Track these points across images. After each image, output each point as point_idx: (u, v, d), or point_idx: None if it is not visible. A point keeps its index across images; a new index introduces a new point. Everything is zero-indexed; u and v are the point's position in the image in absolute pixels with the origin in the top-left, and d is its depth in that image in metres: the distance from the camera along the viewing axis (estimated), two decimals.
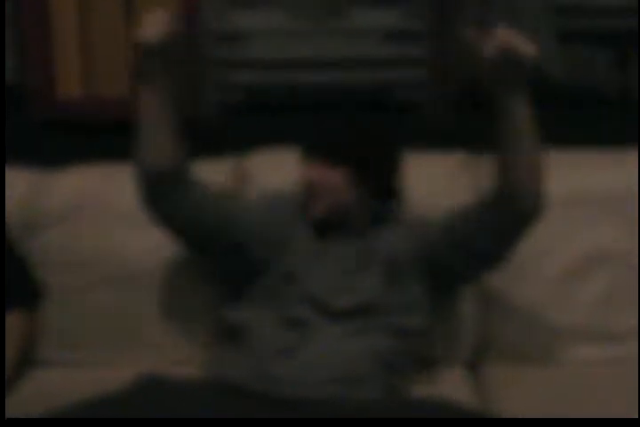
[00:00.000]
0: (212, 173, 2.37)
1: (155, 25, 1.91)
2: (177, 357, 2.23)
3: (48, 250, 2.33)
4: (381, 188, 2.11)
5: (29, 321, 2.22)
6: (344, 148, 2.05)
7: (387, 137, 2.16)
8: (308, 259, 2.03)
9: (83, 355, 2.29)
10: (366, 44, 2.64)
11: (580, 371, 2.14)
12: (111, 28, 2.62)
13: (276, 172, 2.31)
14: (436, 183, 2.36)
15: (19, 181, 2.40)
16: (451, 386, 2.06)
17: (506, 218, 1.93)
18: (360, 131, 2.12)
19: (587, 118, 2.59)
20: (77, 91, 2.65)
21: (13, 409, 1.89)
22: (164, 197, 2.03)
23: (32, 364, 2.25)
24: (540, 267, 2.28)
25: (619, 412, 1.82)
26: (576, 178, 2.33)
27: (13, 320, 2.17)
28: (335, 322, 1.94)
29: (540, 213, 1.94)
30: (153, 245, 2.30)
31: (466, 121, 2.64)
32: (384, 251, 2.03)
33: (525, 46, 1.78)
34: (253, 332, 1.96)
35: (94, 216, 2.34)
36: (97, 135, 2.66)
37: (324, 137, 2.10)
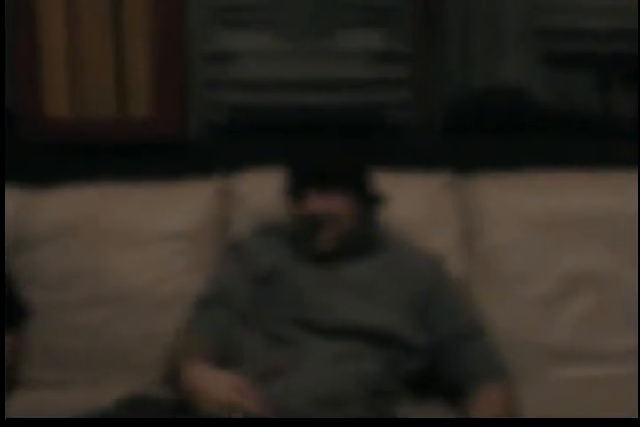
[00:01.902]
0: (199, 193, 2.44)
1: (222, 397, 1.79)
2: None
3: (36, 269, 2.33)
4: (372, 211, 2.16)
5: (15, 341, 2.21)
6: (339, 174, 2.07)
7: (367, 160, 2.19)
8: (303, 283, 2.05)
9: (68, 375, 2.28)
10: (352, 66, 2.63)
11: (563, 391, 2.13)
12: (100, 49, 2.61)
13: (263, 192, 2.33)
14: (420, 204, 2.38)
15: (8, 200, 2.40)
16: (438, 407, 2.05)
17: None
18: (346, 155, 2.14)
19: (569, 141, 2.59)
20: (66, 112, 2.64)
21: None
22: None
23: (19, 384, 2.25)
24: (524, 288, 2.30)
25: None
26: (559, 200, 2.36)
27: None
28: (326, 343, 1.95)
29: None
30: (141, 264, 2.33)
31: (451, 142, 2.65)
32: (369, 276, 2.07)
33: None
34: (242, 351, 1.97)
35: (83, 235, 2.34)
36: (85, 156, 2.65)
37: (315, 167, 2.09)
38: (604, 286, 2.28)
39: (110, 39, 2.61)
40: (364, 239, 2.13)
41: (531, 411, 1.94)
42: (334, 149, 2.20)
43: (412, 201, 2.36)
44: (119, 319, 2.28)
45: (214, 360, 1.92)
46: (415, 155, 2.59)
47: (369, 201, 2.14)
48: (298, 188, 2.09)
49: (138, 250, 2.34)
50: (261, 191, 2.34)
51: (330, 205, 2.04)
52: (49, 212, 2.39)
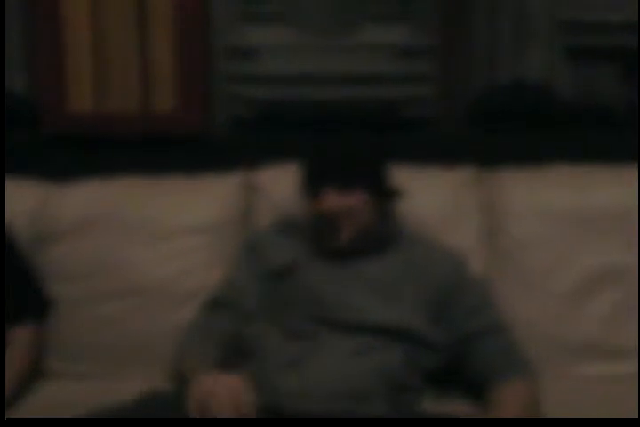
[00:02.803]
0: (222, 187, 2.44)
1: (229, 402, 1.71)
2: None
3: (58, 262, 2.34)
4: (390, 206, 2.16)
5: (39, 333, 2.23)
6: (356, 171, 2.07)
7: (385, 155, 2.20)
8: (319, 280, 2.04)
9: (90, 367, 2.29)
10: (376, 60, 2.65)
11: (587, 387, 2.13)
12: (124, 43, 2.62)
13: (287, 186, 2.32)
14: (443, 199, 2.38)
15: (29, 194, 2.43)
16: (460, 403, 2.04)
17: None
18: (363, 150, 2.14)
19: (595, 135, 2.59)
20: (89, 106, 2.66)
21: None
22: None
23: (41, 375, 2.25)
24: (547, 283, 2.28)
25: None
26: (583, 195, 2.34)
27: (24, 332, 2.18)
28: (344, 338, 1.94)
29: None
30: (163, 258, 2.33)
31: (475, 137, 2.66)
32: (386, 273, 2.07)
33: None
34: (261, 346, 1.96)
35: (105, 229, 2.35)
36: (107, 150, 2.66)
37: (331, 163, 2.08)
38: (628, 281, 2.25)
39: (135, 33, 2.62)
40: (382, 235, 2.12)
41: (553, 407, 1.92)
42: (357, 143, 2.19)
43: (434, 196, 2.37)
44: (141, 312, 2.29)
45: (218, 365, 1.90)
46: (439, 150, 2.59)
47: (387, 197, 2.14)
48: (314, 184, 2.09)
49: (160, 244, 2.34)
50: (285, 185, 2.34)
51: (347, 201, 2.04)
52: (72, 206, 2.39)
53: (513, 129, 2.62)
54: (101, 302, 2.30)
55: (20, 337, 2.16)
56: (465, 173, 2.43)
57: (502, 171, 2.45)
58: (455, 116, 2.67)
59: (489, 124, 2.64)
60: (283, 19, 2.64)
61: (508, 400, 1.90)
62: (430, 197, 2.34)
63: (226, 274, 2.20)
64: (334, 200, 2.03)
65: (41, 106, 2.66)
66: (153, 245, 2.34)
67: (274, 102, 2.69)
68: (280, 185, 2.38)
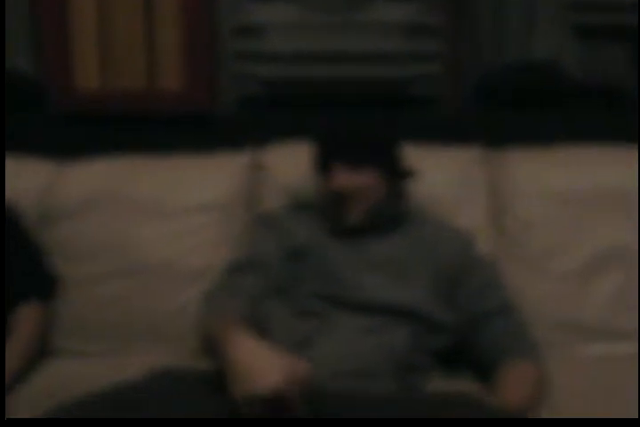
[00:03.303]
0: (229, 166, 2.43)
1: (273, 374, 1.56)
2: (192, 347, 2.19)
3: (64, 241, 2.35)
4: (401, 185, 2.14)
5: (45, 312, 2.23)
6: (368, 148, 2.06)
7: (392, 131, 2.18)
8: (331, 259, 2.04)
9: (97, 345, 2.29)
10: (384, 39, 2.62)
11: (593, 368, 2.13)
12: (130, 22, 2.61)
13: (294, 166, 2.32)
14: (450, 179, 2.38)
15: (37, 172, 2.44)
16: (467, 383, 2.03)
17: None
18: (374, 128, 2.13)
19: (602, 115, 2.58)
20: (95, 83, 2.65)
21: (28, 399, 1.92)
22: None
23: (47, 353, 2.26)
24: (552, 264, 2.29)
25: (623, 411, 1.82)
26: (591, 175, 2.34)
27: (30, 311, 2.19)
28: (353, 317, 1.94)
29: None
30: (169, 237, 2.33)
31: (482, 116, 2.65)
32: (397, 253, 2.06)
33: None
34: (271, 324, 1.96)
35: (111, 209, 2.35)
36: (115, 127, 2.66)
37: (343, 141, 2.07)
38: (634, 262, 2.25)
39: (141, 11, 2.61)
40: (393, 215, 2.12)
41: (560, 387, 1.93)
42: (365, 122, 2.19)
43: (441, 176, 2.36)
44: (147, 291, 2.29)
45: (251, 327, 1.82)
46: (446, 129, 2.59)
47: (398, 175, 2.12)
48: (326, 162, 2.08)
49: (166, 223, 2.34)
50: (292, 165, 2.34)
51: (358, 179, 2.04)
52: (78, 184, 2.40)
53: (520, 108, 2.60)
54: (108, 280, 2.31)
55: (26, 315, 2.16)
56: (472, 153, 2.43)
57: (509, 150, 2.44)
58: (463, 95, 2.66)
59: (496, 103, 2.62)
60: None
61: (515, 381, 1.90)
62: (437, 176, 2.33)
63: (244, 242, 2.18)
64: (345, 178, 2.03)
65: (48, 85, 2.66)
66: (160, 223, 2.34)
67: (281, 81, 2.67)
68: (288, 164, 2.37)
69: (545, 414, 1.82)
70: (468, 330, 2.03)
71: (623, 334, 2.23)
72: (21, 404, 1.91)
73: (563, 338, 2.23)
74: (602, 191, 2.30)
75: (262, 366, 1.58)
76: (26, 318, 2.16)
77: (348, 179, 2.03)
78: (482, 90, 2.63)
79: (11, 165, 2.38)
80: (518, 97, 2.61)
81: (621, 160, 2.36)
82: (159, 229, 2.33)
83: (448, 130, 2.58)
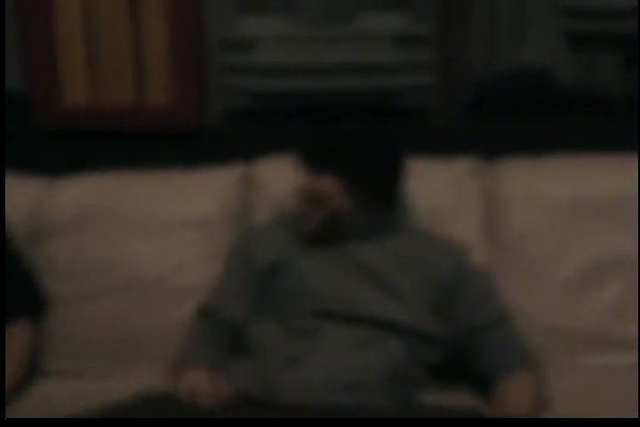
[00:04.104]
0: (219, 180, 2.42)
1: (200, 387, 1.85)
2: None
3: (54, 259, 2.33)
4: (378, 196, 2.10)
5: (35, 331, 2.21)
6: (328, 154, 2.06)
7: (383, 144, 2.14)
8: (316, 270, 2.03)
9: (87, 365, 2.28)
10: (374, 50, 2.61)
11: (592, 379, 2.12)
12: (117, 36, 2.61)
13: (284, 179, 2.29)
14: (444, 190, 2.36)
15: (25, 190, 2.43)
16: (463, 397, 2.03)
17: None
18: (348, 138, 2.11)
19: (595, 123, 2.57)
20: (84, 100, 2.64)
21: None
22: None
23: (38, 374, 2.24)
24: (548, 274, 2.28)
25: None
26: (585, 184, 2.33)
27: (19, 330, 2.17)
28: (344, 331, 1.94)
29: None
30: (160, 253, 2.32)
31: (475, 126, 2.64)
32: (381, 264, 2.04)
33: None
34: (260, 344, 1.97)
35: (100, 225, 2.34)
36: (103, 143, 2.66)
37: (307, 146, 2.10)
38: (631, 271, 2.24)
39: (128, 25, 2.60)
40: (372, 224, 2.08)
41: (559, 399, 1.91)
42: (342, 130, 2.17)
43: (435, 187, 2.35)
44: (138, 309, 2.28)
45: (209, 366, 1.97)
46: (437, 140, 2.59)
47: (365, 185, 2.07)
48: (298, 163, 2.10)
49: (156, 239, 2.33)
50: (282, 179, 2.31)
51: (315, 184, 2.04)
52: (67, 201, 2.38)
53: (513, 117, 2.60)
54: (98, 298, 2.30)
55: (16, 336, 2.15)
56: (465, 164, 2.41)
57: (502, 161, 2.43)
58: (454, 105, 2.65)
59: (489, 112, 2.61)
60: (279, 8, 2.61)
61: (514, 393, 1.89)
62: (430, 188, 2.32)
63: (218, 275, 2.19)
64: (304, 182, 2.05)
65: (35, 100, 2.65)
66: (149, 240, 2.32)
67: (270, 94, 2.66)
68: (278, 178, 2.35)
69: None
70: (463, 343, 2.02)
71: (623, 344, 2.21)
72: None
73: (561, 348, 2.22)
74: (596, 200, 2.29)
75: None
76: (16, 338, 2.15)
77: (307, 183, 2.05)
78: (474, 99, 2.63)
79: None
80: (511, 106, 2.60)
81: (617, 168, 2.36)
82: (149, 245, 2.32)
83: (440, 141, 2.57)
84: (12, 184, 2.40)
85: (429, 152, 2.40)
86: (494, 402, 1.89)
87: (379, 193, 2.10)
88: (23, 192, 2.41)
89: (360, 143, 2.10)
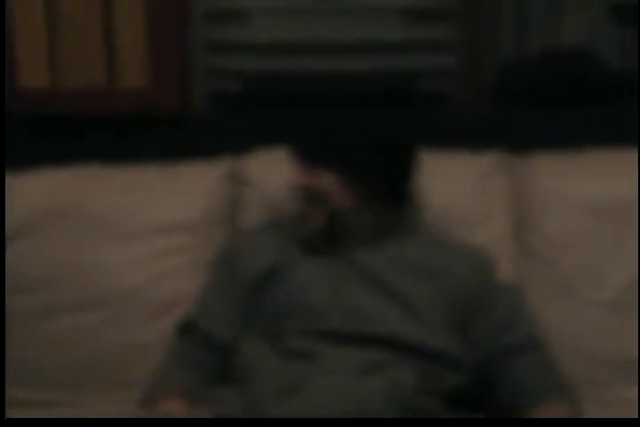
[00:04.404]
0: (204, 177, 2.33)
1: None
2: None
3: (10, 268, 2.22)
4: (384, 194, 2.02)
5: None
6: (323, 150, 2.01)
7: (389, 136, 2.06)
8: (310, 281, 1.94)
9: (54, 393, 2.18)
10: (385, 26, 2.53)
11: (631, 414, 1.92)
12: (84, 9, 2.44)
13: (279, 176, 2.17)
14: (465, 188, 2.26)
15: None
16: None
17: None
18: (345, 132, 2.05)
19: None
20: (44, 82, 2.50)
21: None
22: None
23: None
24: (589, 288, 2.14)
25: None
26: (627, 184, 2.18)
27: None
28: (348, 353, 1.82)
29: None
30: (133, 261, 2.22)
31: (503, 116, 2.53)
32: (391, 272, 1.94)
33: None
34: (253, 368, 1.85)
35: (67, 227, 2.24)
36: (68, 133, 2.53)
37: (303, 140, 2.06)
38: None
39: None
40: (378, 226, 2.00)
41: None
42: (341, 122, 2.09)
43: (454, 185, 2.26)
44: (110, 326, 2.18)
45: (187, 392, 1.90)
46: (460, 130, 2.48)
47: (375, 182, 2.00)
48: (293, 158, 2.06)
49: (132, 245, 2.23)
50: (277, 175, 2.20)
51: (311, 180, 1.99)
52: (26, 198, 2.28)
53: (547, 106, 2.49)
54: (63, 314, 2.19)
55: None
56: (490, 159, 2.32)
57: (534, 156, 2.33)
58: (479, 92, 2.56)
59: (519, 100, 2.52)
60: None
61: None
62: (449, 186, 2.24)
63: (202, 287, 2.11)
64: (300, 177, 2.00)
65: None
66: (123, 246, 2.22)
67: (263, 75, 2.59)
68: (272, 174, 2.26)
69: None
70: (488, 369, 1.90)
71: None
72: None
73: (601, 377, 2.09)
74: None
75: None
76: None
77: (302, 178, 2.00)
78: (502, 85, 2.55)
79: None
80: (544, 91, 2.51)
81: None
82: (122, 252, 2.22)
83: (463, 132, 2.48)
84: None
85: (448, 145, 2.31)
86: None
87: (384, 191, 2.03)
88: None
89: (362, 135, 2.05)
